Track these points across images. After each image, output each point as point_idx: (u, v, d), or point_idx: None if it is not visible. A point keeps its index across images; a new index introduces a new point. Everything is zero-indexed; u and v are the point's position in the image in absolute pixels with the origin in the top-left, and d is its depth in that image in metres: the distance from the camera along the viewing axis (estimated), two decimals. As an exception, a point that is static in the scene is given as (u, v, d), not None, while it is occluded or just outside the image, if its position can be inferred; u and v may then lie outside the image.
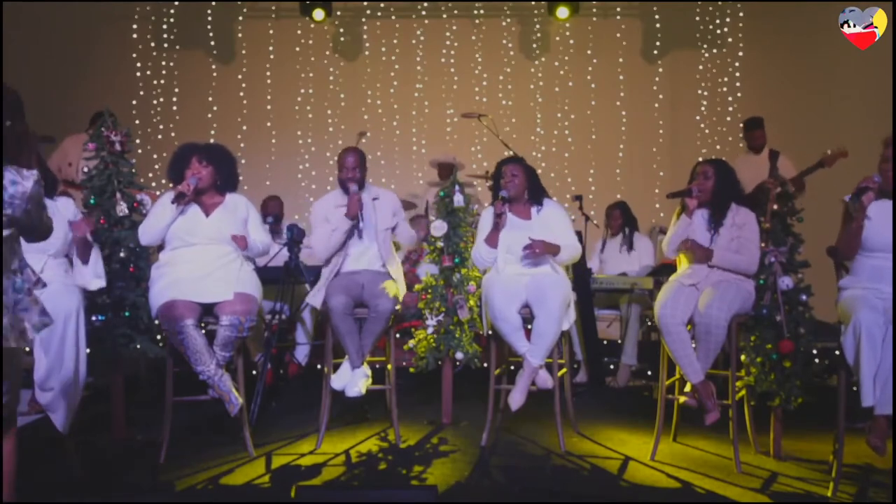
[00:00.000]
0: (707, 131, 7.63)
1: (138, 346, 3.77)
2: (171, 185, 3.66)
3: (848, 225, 3.22)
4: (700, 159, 3.80)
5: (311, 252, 4.11)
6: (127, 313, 3.74)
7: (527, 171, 3.89)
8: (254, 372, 4.48)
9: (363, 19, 7.86)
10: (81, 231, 3.34)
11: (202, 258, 3.51)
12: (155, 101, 7.77)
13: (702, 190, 3.62)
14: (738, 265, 3.51)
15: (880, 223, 3.17)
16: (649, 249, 5.61)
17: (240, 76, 7.81)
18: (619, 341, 5.25)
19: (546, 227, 3.80)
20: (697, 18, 7.66)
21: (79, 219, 3.38)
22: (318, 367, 4.93)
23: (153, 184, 7.18)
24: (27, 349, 3.25)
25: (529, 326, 3.67)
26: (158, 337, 3.95)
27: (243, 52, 7.85)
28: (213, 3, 7.78)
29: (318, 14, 7.45)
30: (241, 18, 7.86)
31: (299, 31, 7.84)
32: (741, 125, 6.03)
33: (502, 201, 3.76)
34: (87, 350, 3.24)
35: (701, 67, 7.67)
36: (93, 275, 3.41)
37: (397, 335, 4.25)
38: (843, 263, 3.39)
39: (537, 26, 7.79)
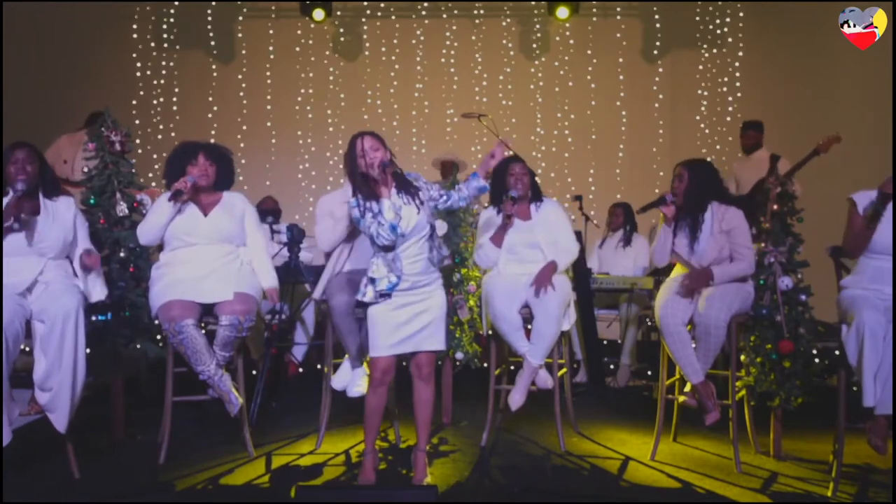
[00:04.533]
0: (707, 131, 7.64)
1: (138, 346, 3.77)
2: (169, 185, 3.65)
3: (859, 224, 3.17)
4: (709, 159, 3.73)
5: (312, 249, 4.09)
6: (127, 313, 3.74)
7: (529, 171, 3.87)
8: (254, 372, 4.48)
9: (363, 19, 7.87)
10: (93, 264, 3.33)
11: (202, 258, 3.50)
12: (155, 101, 7.78)
13: (676, 195, 3.54)
14: (737, 274, 3.45)
15: (887, 226, 3.16)
16: (646, 249, 5.61)
17: (240, 76, 7.82)
18: (619, 341, 5.25)
19: (545, 226, 3.77)
20: (697, 18, 7.67)
21: (93, 255, 3.35)
22: (318, 367, 4.94)
23: (153, 184, 7.17)
24: (27, 349, 3.26)
25: (529, 326, 3.67)
26: (158, 337, 3.95)
27: (243, 52, 7.86)
28: (213, 3, 7.79)
29: (318, 14, 7.47)
30: (241, 18, 7.87)
31: (299, 31, 7.84)
32: (741, 126, 6.02)
33: (512, 201, 3.70)
34: (87, 350, 3.23)
35: (701, 67, 7.68)
36: (96, 288, 3.41)
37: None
38: (844, 264, 3.39)
39: (537, 26, 7.80)
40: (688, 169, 3.56)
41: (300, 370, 5.02)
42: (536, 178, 3.92)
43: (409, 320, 3.01)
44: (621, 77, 7.74)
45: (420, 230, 3.00)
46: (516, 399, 3.59)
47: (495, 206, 3.84)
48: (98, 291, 3.42)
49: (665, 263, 3.69)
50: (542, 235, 3.74)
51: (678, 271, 3.69)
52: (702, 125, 7.66)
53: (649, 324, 5.42)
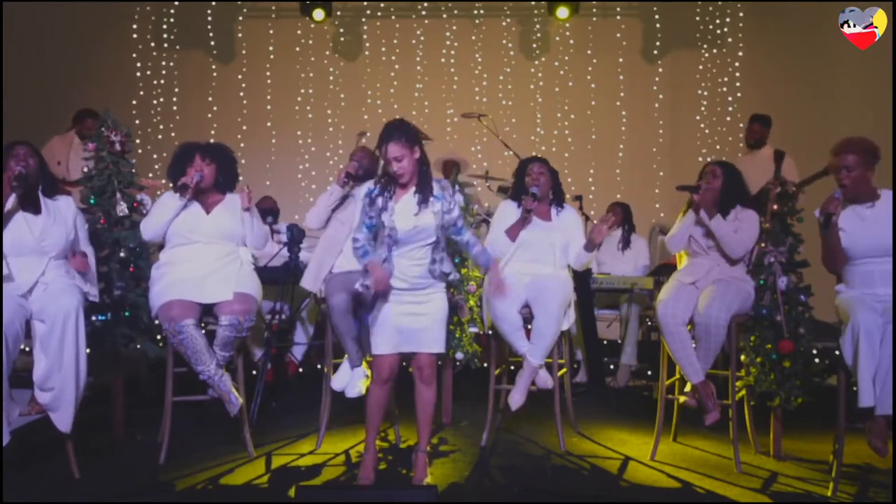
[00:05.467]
0: (707, 131, 7.63)
1: (138, 346, 3.77)
2: (170, 185, 3.66)
3: (825, 242, 3.23)
4: (710, 159, 3.78)
5: (312, 249, 4.09)
6: (127, 313, 3.74)
7: (551, 171, 3.88)
8: (254, 372, 4.48)
9: (363, 19, 7.87)
10: (79, 267, 3.31)
11: (202, 257, 3.50)
12: (155, 101, 7.78)
13: (709, 188, 3.59)
14: (727, 239, 3.48)
15: (854, 232, 3.18)
16: (645, 249, 5.60)
17: (240, 76, 7.81)
18: (619, 341, 5.25)
19: (564, 230, 3.80)
20: (697, 18, 7.67)
21: (78, 259, 3.33)
22: (318, 366, 4.93)
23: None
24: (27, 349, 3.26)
25: (530, 326, 3.67)
26: (158, 337, 3.95)
27: (243, 52, 7.85)
28: (213, 3, 7.78)
29: (318, 14, 7.46)
30: (241, 18, 7.86)
31: (299, 31, 7.84)
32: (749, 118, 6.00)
33: (532, 198, 3.72)
34: (87, 350, 3.23)
35: (701, 67, 7.67)
36: (85, 287, 3.40)
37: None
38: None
39: (537, 26, 7.79)
40: (723, 168, 3.63)
41: (300, 370, 5.02)
42: (560, 184, 3.93)
43: (409, 320, 3.02)
44: (621, 77, 7.73)
45: (426, 237, 3.00)
46: (516, 399, 3.59)
47: (515, 201, 3.84)
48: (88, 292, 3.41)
49: (679, 251, 3.72)
50: (559, 239, 3.76)
51: (679, 269, 3.70)
52: (702, 125, 7.65)
53: (649, 324, 5.42)
